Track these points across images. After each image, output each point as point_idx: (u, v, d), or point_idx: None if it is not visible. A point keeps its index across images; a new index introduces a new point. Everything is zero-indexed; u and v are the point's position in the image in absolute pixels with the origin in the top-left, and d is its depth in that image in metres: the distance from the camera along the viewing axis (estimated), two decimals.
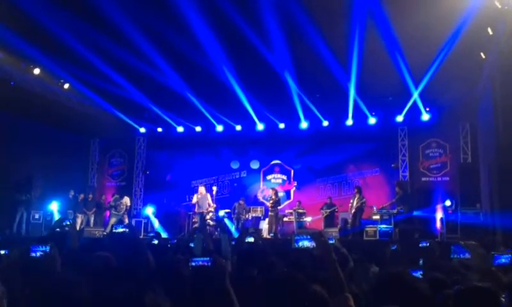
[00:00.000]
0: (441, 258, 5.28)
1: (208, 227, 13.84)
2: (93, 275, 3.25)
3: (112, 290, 2.54)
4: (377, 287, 2.90)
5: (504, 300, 2.35)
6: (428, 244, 6.81)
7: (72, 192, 15.68)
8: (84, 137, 18.07)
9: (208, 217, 14.53)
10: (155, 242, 7.11)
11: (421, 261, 5.35)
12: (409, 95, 13.98)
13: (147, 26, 10.66)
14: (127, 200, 15.18)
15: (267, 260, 3.99)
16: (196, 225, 14.49)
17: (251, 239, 5.28)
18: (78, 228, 13.67)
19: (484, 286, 2.57)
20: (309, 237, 3.69)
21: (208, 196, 14.89)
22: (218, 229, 13.96)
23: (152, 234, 10.61)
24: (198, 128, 17.42)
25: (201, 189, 15.11)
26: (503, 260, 3.93)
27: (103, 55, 11.86)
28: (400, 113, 15.35)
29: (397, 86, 13.08)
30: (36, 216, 14.48)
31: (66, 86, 14.40)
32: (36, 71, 13.19)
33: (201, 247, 5.10)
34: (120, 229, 5.65)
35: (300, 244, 3.79)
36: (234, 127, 17.02)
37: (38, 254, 4.22)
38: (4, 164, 13.62)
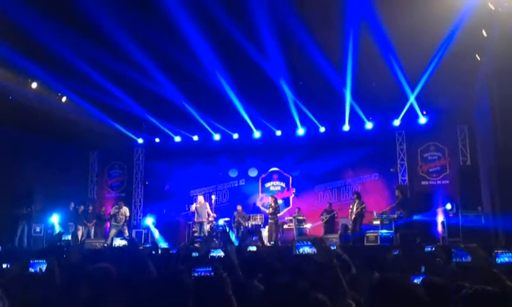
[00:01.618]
0: (443, 262, 5.25)
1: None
2: (93, 287, 3.24)
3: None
4: (374, 293, 2.89)
5: None
6: (433, 249, 6.75)
7: (72, 204, 15.68)
8: (83, 149, 18.10)
9: (208, 227, 14.50)
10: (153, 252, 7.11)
11: (423, 268, 5.32)
12: (406, 99, 13.97)
13: (143, 38, 10.71)
14: (126, 210, 15.04)
15: (269, 268, 3.97)
16: (196, 234, 14.45)
17: (253, 248, 5.26)
18: (79, 240, 13.67)
19: (492, 289, 2.55)
20: (310, 243, 3.66)
21: (207, 204, 14.90)
22: (218, 238, 13.92)
23: (148, 245, 10.56)
24: (196, 138, 17.45)
25: (200, 198, 15.15)
26: (506, 259, 3.87)
27: (99, 68, 11.90)
28: (397, 117, 15.32)
29: (393, 89, 13.06)
30: (37, 229, 14.52)
31: (64, 99, 14.44)
32: (34, 85, 13.22)
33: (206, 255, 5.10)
34: (120, 242, 5.64)
35: (301, 250, 3.77)
36: (231, 136, 17.05)
37: (37, 269, 4.23)
38: (4, 178, 13.63)
